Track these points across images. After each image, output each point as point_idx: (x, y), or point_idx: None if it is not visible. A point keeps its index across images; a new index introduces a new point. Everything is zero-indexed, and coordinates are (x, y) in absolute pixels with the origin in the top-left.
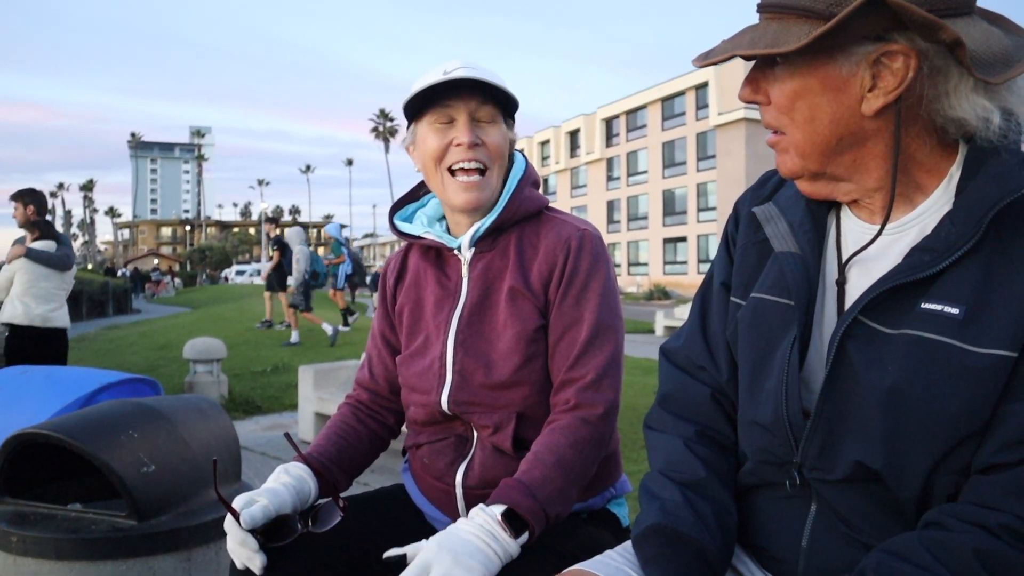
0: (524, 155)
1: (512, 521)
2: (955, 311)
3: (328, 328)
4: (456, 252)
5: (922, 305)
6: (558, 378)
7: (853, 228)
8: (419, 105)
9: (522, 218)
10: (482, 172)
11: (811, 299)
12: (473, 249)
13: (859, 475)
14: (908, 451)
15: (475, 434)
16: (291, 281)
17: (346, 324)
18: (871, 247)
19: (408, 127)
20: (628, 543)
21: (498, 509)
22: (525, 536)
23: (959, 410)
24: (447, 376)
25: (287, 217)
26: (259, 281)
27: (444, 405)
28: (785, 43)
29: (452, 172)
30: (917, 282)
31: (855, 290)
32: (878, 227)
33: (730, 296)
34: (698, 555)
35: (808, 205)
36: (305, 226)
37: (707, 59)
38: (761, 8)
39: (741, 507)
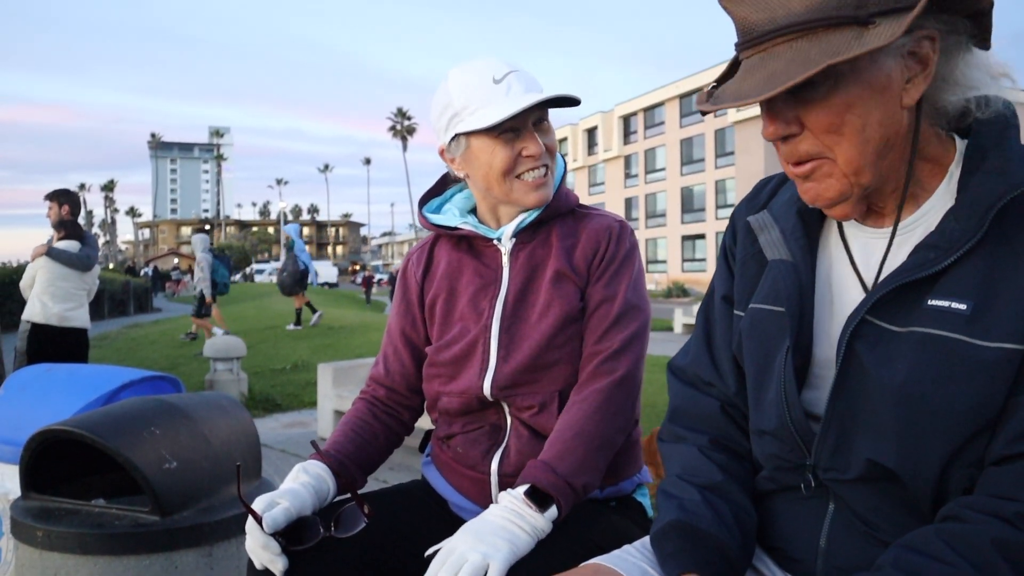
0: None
1: (538, 498)
2: (962, 307)
3: (219, 330)
4: (496, 242)
5: (929, 302)
6: (587, 351)
7: (858, 235)
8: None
9: (561, 213)
10: (544, 173)
11: (803, 305)
12: (514, 240)
13: (874, 473)
14: (922, 447)
15: (508, 421)
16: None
17: (298, 323)
18: (885, 249)
19: (452, 139)
20: (646, 539)
21: (521, 488)
22: (553, 511)
23: (971, 404)
24: (490, 361)
25: (305, 216)
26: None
27: (486, 390)
28: (834, 55)
29: (519, 176)
30: (923, 279)
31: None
32: (886, 230)
33: (733, 310)
34: (717, 551)
35: (800, 211)
36: (323, 225)
37: (718, 103)
38: (770, 35)
39: (759, 510)
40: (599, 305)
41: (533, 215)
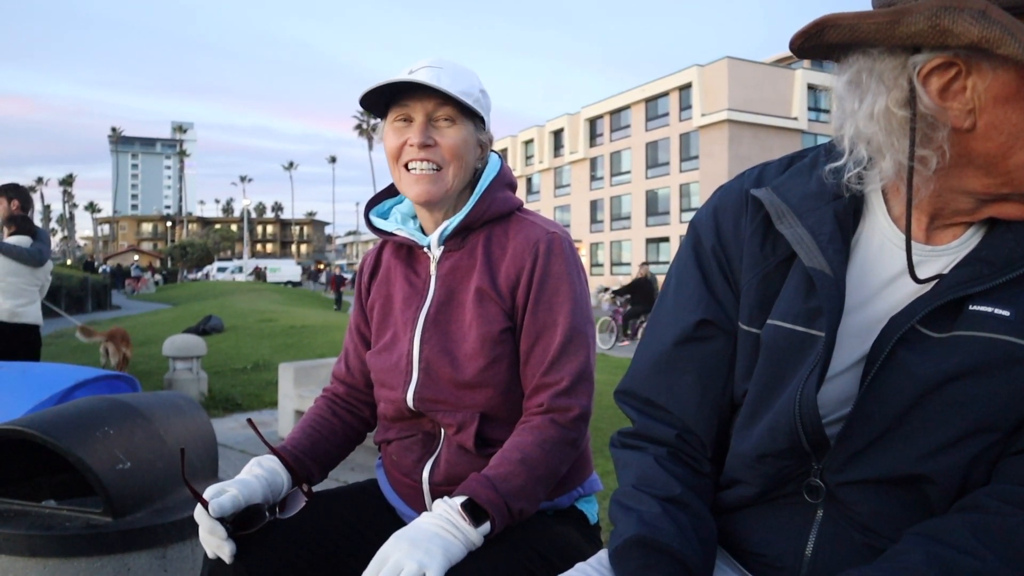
0: (500, 156)
1: (473, 512)
2: (1006, 313)
3: None
4: (426, 250)
5: (970, 307)
6: (532, 383)
7: (888, 244)
8: (386, 103)
9: (492, 218)
10: (436, 169)
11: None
12: (442, 248)
13: (893, 476)
14: (955, 444)
15: (442, 432)
16: None
17: None
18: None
19: (380, 123)
20: (602, 554)
21: (458, 500)
22: (487, 526)
23: (1009, 402)
24: (413, 373)
25: (269, 214)
26: (240, 278)
27: (409, 402)
28: None
29: (407, 167)
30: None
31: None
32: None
33: (739, 325)
34: (682, 568)
35: (837, 213)
36: (287, 223)
37: None
38: None
39: (735, 515)
40: (540, 334)
41: (455, 221)
